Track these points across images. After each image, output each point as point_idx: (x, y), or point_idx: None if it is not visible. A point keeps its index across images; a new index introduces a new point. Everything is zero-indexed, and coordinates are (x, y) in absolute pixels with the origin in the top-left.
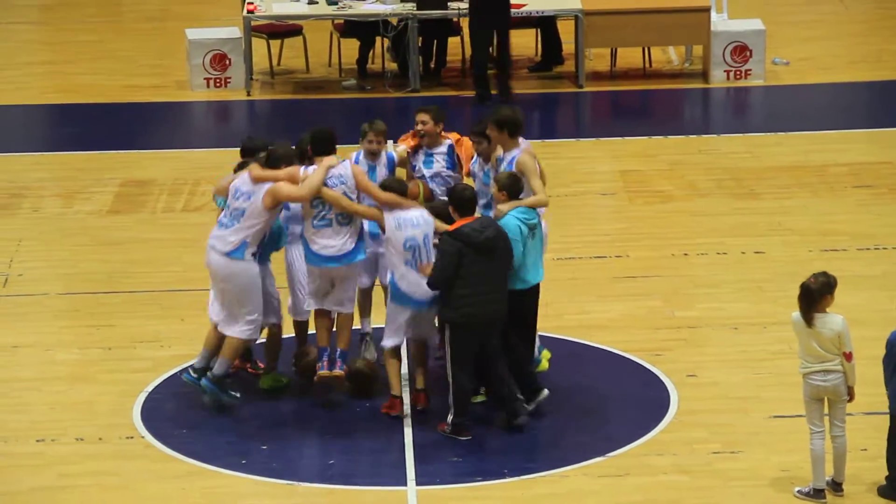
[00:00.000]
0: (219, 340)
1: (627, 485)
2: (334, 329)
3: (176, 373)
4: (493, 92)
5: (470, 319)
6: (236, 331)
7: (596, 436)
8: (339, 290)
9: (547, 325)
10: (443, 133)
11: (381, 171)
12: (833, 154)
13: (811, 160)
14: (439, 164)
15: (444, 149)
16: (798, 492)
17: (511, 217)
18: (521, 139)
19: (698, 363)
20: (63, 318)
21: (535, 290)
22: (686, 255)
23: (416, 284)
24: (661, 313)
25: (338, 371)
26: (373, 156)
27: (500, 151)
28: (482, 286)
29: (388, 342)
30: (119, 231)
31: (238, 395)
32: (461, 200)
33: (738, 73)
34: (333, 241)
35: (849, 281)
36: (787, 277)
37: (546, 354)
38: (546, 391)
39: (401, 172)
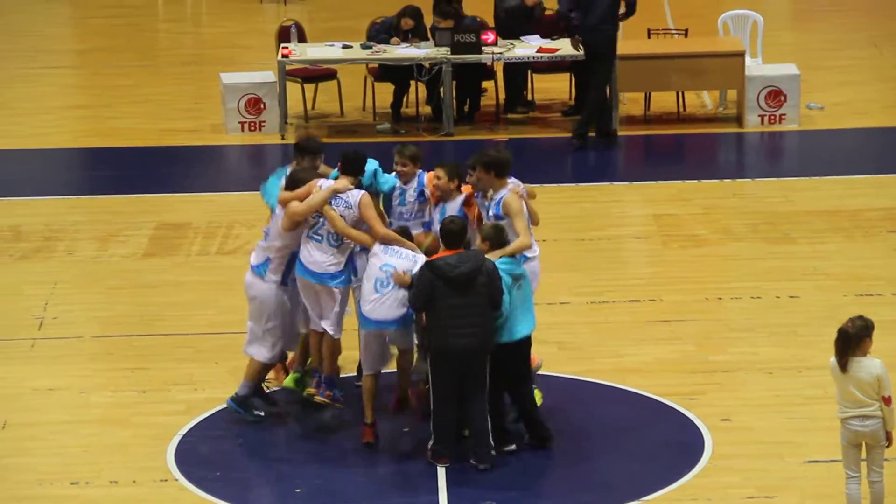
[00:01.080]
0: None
1: None
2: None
3: (210, 415)
4: (591, 134)
5: (441, 350)
6: (253, 350)
7: (629, 480)
8: (325, 308)
9: (580, 368)
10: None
11: (410, 196)
12: (868, 199)
13: (846, 205)
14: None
15: (456, 204)
16: None
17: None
18: (510, 179)
19: (732, 407)
20: (97, 361)
21: (526, 342)
22: (720, 299)
23: (382, 305)
24: (694, 357)
25: (320, 398)
26: (404, 180)
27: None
28: (454, 319)
29: (365, 370)
30: (154, 274)
31: (262, 413)
32: (445, 232)
33: (772, 117)
34: (319, 258)
35: (885, 326)
36: (821, 322)
37: (538, 394)
38: (514, 446)
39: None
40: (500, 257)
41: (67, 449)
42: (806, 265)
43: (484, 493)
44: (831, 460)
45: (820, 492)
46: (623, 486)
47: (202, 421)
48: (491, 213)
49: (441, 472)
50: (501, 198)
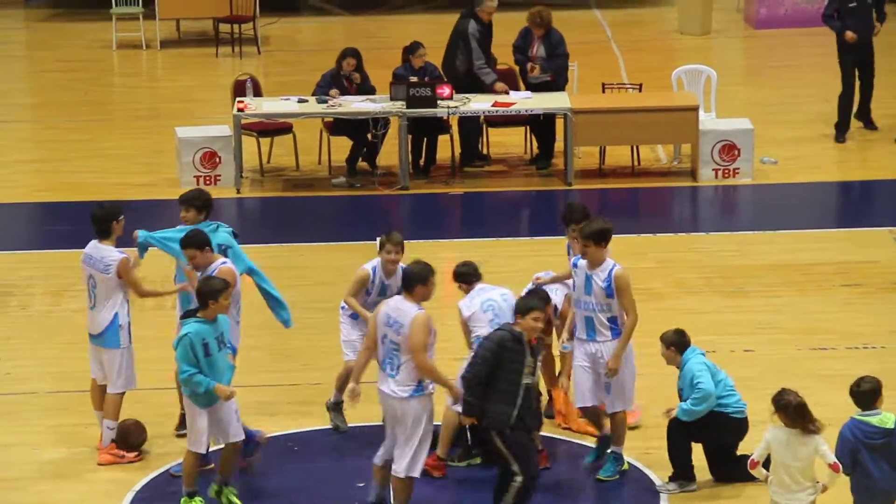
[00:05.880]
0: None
1: None
2: None
3: (164, 471)
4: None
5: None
6: None
7: None
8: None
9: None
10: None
11: (394, 287)
12: (820, 252)
13: (798, 258)
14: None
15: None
16: None
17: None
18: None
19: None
20: (51, 417)
21: None
22: None
23: None
24: (649, 412)
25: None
26: (389, 269)
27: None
28: None
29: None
30: None
31: None
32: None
33: (726, 171)
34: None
35: (836, 380)
36: (775, 376)
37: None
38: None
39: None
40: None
41: None
42: (760, 319)
43: None
44: None
45: None
46: None
47: (156, 477)
48: (602, 285)
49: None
50: (612, 271)
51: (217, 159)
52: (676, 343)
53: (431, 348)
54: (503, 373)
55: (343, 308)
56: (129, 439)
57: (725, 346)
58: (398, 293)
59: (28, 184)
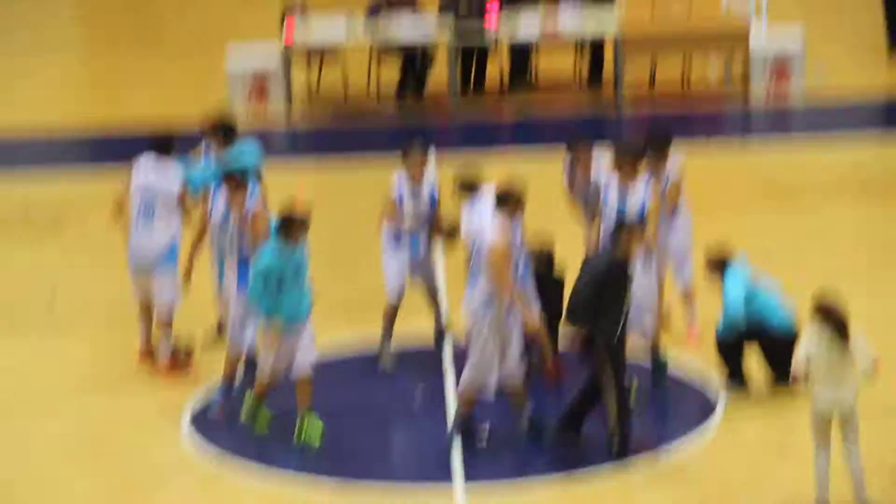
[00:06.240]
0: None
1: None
2: None
3: (217, 387)
4: None
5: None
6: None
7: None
8: None
9: None
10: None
11: (424, 197)
12: (876, 162)
13: (854, 169)
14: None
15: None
16: None
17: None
18: None
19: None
20: (104, 336)
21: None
22: None
23: None
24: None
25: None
26: (414, 180)
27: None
28: None
29: None
30: None
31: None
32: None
33: (778, 85)
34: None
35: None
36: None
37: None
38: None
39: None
40: None
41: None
42: (813, 229)
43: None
44: None
45: None
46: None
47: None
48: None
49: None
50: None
51: (266, 89)
52: (716, 262)
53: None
54: (609, 294)
55: (384, 234)
56: (180, 354)
57: (778, 257)
58: (431, 201)
59: (80, 111)
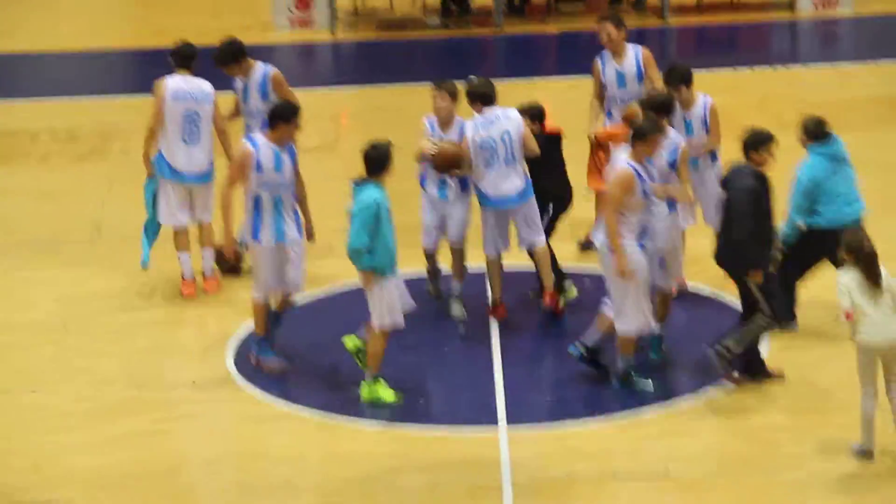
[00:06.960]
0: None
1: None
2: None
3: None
4: None
5: None
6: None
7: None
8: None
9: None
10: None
11: (455, 139)
12: None
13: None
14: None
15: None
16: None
17: None
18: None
19: None
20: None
21: None
22: None
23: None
24: None
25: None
26: (441, 118)
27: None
28: None
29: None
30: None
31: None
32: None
33: (825, 1)
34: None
35: None
36: (880, 211)
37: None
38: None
39: None
40: None
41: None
42: (859, 154)
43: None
44: None
45: None
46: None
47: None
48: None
49: (498, 368)
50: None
51: (310, 1)
52: (805, 131)
53: None
54: (758, 215)
55: (421, 184)
56: (223, 265)
57: None
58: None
59: (121, 29)
